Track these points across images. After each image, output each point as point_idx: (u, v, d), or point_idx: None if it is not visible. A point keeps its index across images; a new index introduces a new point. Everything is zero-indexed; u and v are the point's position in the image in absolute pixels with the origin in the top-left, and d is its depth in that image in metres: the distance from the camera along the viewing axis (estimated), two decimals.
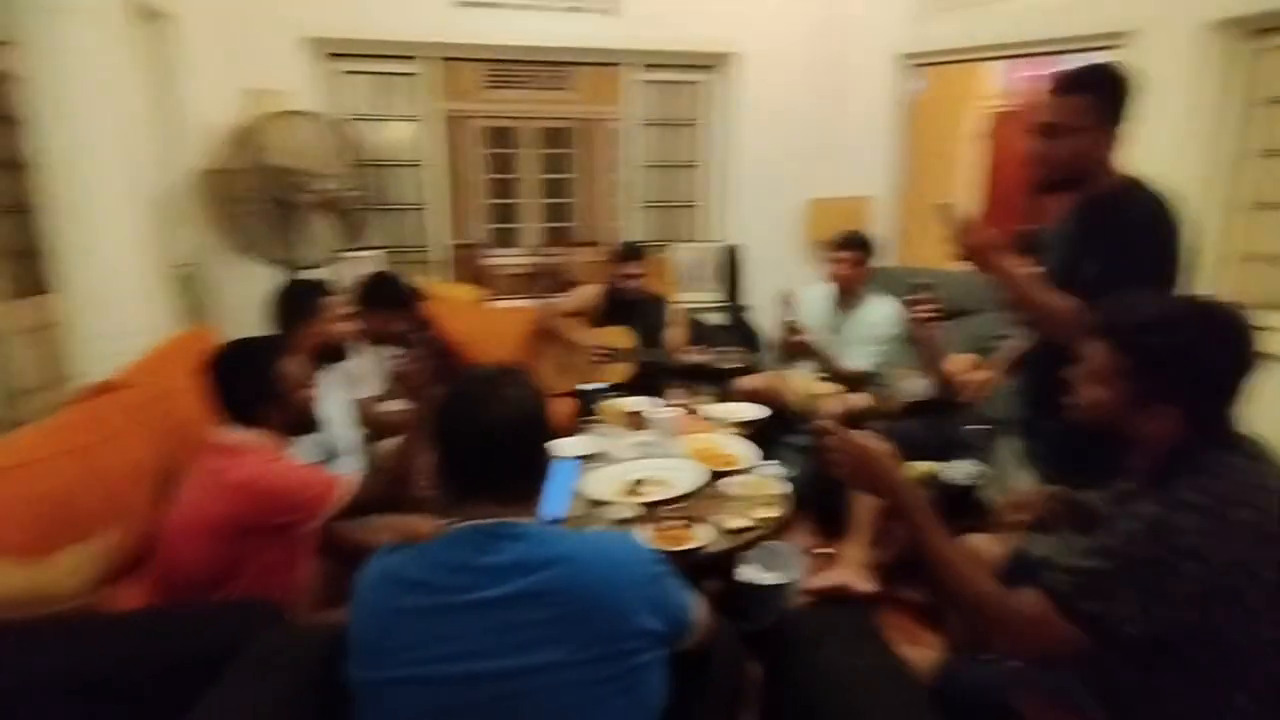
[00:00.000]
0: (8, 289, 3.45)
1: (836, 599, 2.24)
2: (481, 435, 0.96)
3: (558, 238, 7.27)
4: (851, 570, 2.30)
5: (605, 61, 4.00)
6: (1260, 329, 1.04)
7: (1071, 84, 1.47)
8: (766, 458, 2.59)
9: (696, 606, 1.07)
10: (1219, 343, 1.00)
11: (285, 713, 0.96)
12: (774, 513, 1.74)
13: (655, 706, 0.97)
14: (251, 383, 1.51)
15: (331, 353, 1.95)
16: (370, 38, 3.50)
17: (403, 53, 3.63)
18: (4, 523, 1.34)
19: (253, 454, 1.48)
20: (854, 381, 2.70)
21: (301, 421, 1.60)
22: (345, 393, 2.13)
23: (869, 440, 1.15)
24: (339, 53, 3.57)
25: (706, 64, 4.04)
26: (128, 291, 2.45)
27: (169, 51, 3.02)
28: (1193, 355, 0.99)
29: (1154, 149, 3.19)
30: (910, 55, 3.98)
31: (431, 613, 0.89)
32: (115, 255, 2.42)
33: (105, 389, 1.89)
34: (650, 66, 3.99)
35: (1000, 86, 5.94)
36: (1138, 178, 1.52)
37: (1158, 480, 1.01)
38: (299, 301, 1.96)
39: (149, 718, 1.05)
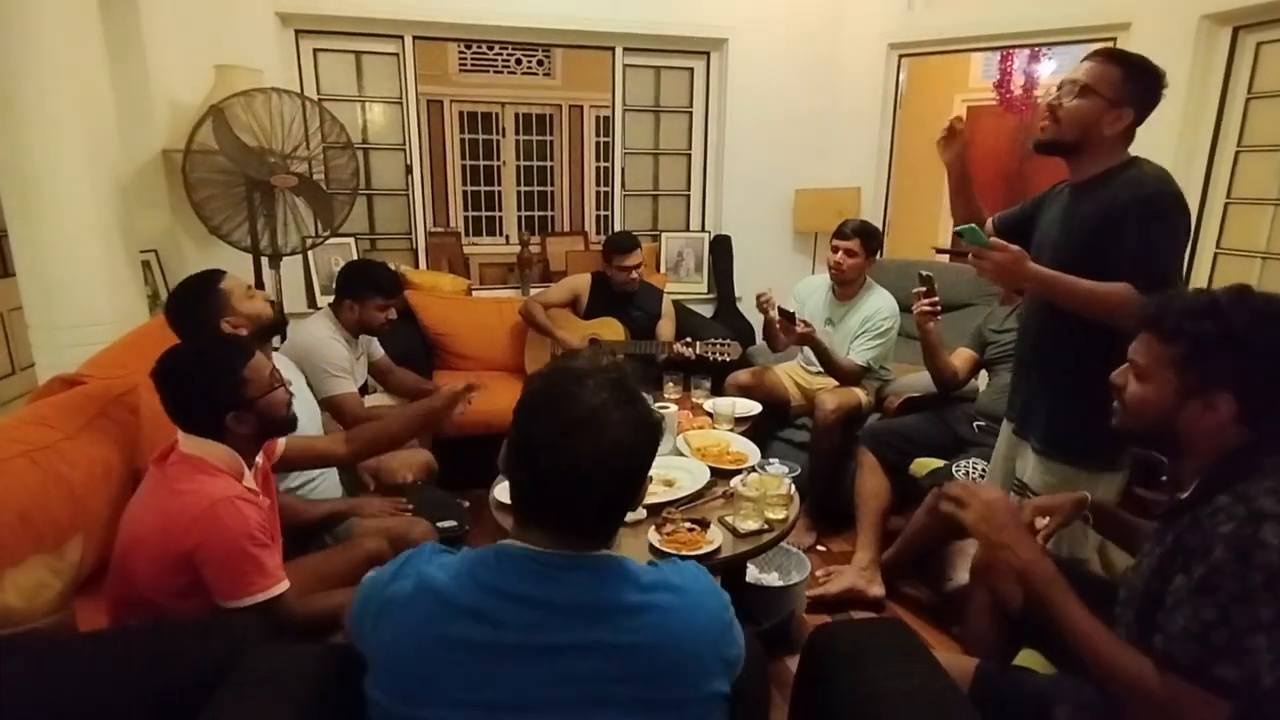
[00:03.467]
0: None
1: (845, 603, 2.21)
2: (570, 468, 0.78)
3: (538, 226, 7.15)
4: (859, 573, 2.26)
5: (595, 45, 3.88)
6: None
7: (1111, 55, 1.50)
8: (761, 452, 2.54)
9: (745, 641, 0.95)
10: (1270, 326, 0.96)
11: None
12: (784, 514, 1.67)
13: None
14: (211, 392, 1.29)
15: (275, 326, 1.78)
16: (344, 14, 3.35)
17: (379, 30, 3.48)
18: None
19: (217, 480, 1.26)
20: (851, 377, 2.64)
21: (276, 425, 1.40)
22: (296, 374, 1.99)
23: (998, 497, 1.13)
24: (312, 29, 3.41)
25: (697, 49, 3.95)
26: (91, 277, 2.30)
27: (134, 25, 2.84)
28: (1244, 338, 0.96)
29: (1145, 141, 3.23)
30: (900, 45, 3.93)
31: (485, 650, 0.76)
32: (77, 238, 2.27)
33: (68, 383, 1.75)
34: (640, 51, 3.89)
35: (979, 81, 5.97)
36: (1140, 159, 1.55)
37: (1215, 488, 0.96)
38: (198, 294, 1.74)
39: None
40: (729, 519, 1.64)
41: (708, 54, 3.97)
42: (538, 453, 0.80)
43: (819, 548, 2.56)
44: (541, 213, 7.25)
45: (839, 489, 2.55)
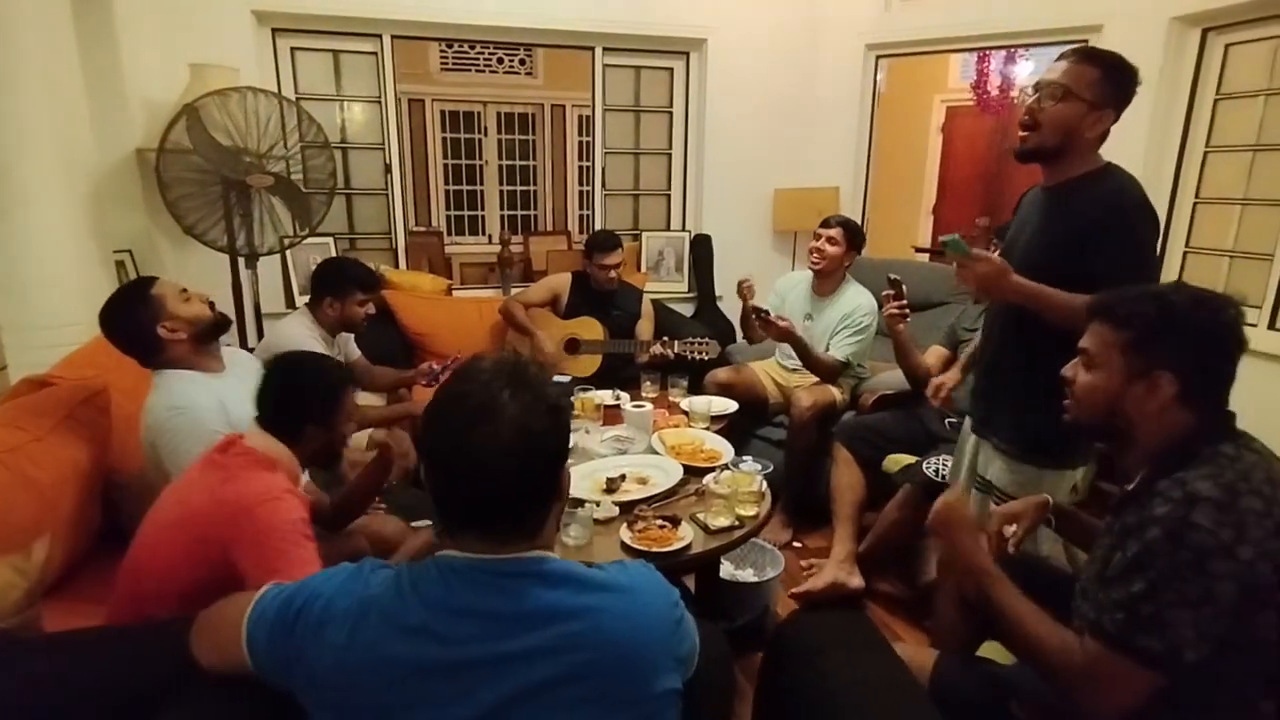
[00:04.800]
0: None
1: (828, 598, 2.23)
2: (474, 462, 0.78)
3: (521, 226, 7.15)
4: (838, 566, 2.28)
5: (574, 44, 3.89)
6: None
7: (1087, 55, 1.49)
8: (739, 450, 2.56)
9: (698, 635, 0.95)
10: (1209, 312, 1.02)
11: None
12: (755, 510, 1.69)
13: None
14: (315, 397, 1.39)
15: (216, 327, 1.72)
16: (322, 12, 3.33)
17: (357, 29, 3.47)
18: None
19: (277, 475, 1.29)
20: (829, 372, 2.67)
21: (332, 455, 1.49)
22: (255, 374, 1.94)
23: (961, 508, 1.22)
24: (289, 28, 3.39)
25: (677, 49, 3.97)
26: (62, 277, 2.28)
27: (108, 24, 2.82)
28: (1183, 319, 1.02)
29: (1117, 142, 3.28)
30: (878, 46, 3.97)
31: (438, 669, 0.75)
32: (47, 238, 2.25)
33: (38, 384, 1.74)
34: (620, 51, 3.90)
35: (959, 82, 6.03)
36: (1115, 166, 1.56)
37: (1158, 476, 0.99)
38: (131, 303, 1.67)
39: None
40: (700, 516, 1.65)
41: (687, 54, 3.99)
42: (444, 454, 0.80)
43: (795, 544, 2.59)
44: (525, 212, 7.25)
45: (815, 486, 2.57)
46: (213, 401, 1.55)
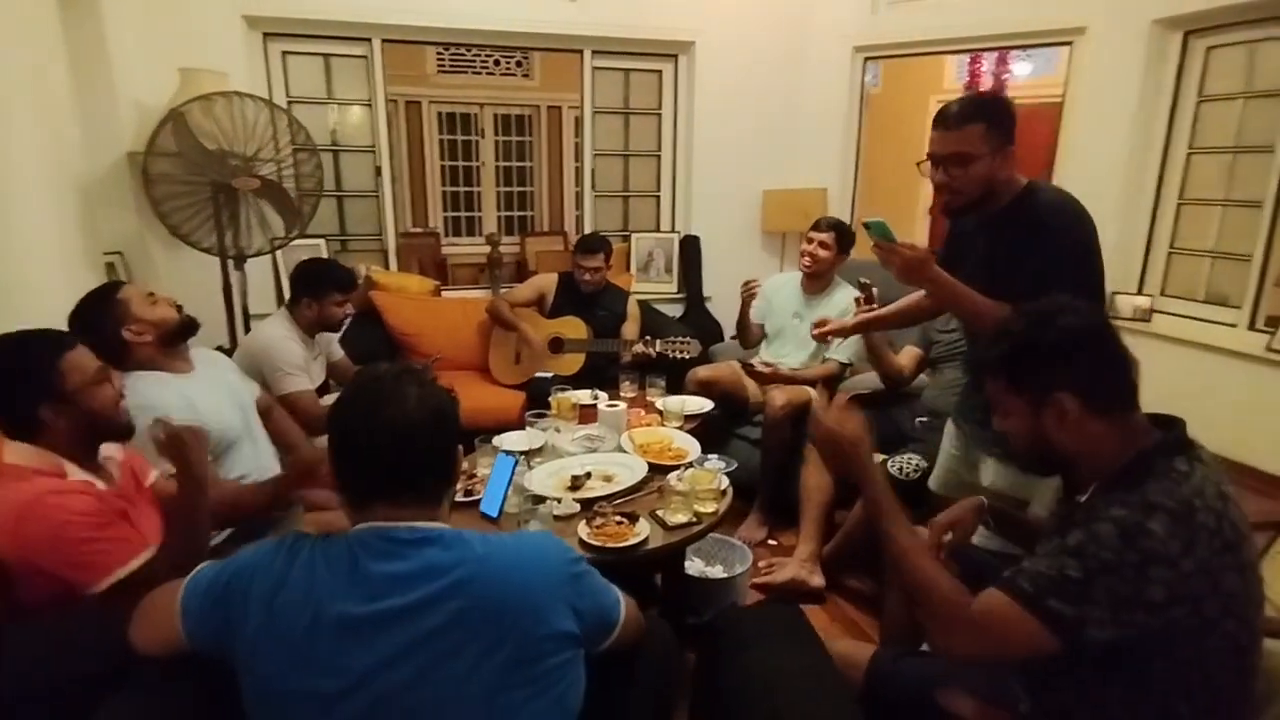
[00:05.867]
0: None
1: (787, 594, 2.26)
2: (380, 432, 0.91)
3: (518, 226, 7.19)
4: (800, 565, 2.31)
5: (563, 48, 3.93)
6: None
7: (963, 117, 1.54)
8: (720, 449, 2.59)
9: (623, 606, 1.04)
10: (1048, 328, 1.05)
11: None
12: (714, 507, 1.72)
13: (573, 707, 0.94)
14: (23, 386, 1.25)
15: (183, 329, 1.76)
16: (310, 17, 3.39)
17: (345, 33, 3.52)
18: None
19: (23, 485, 1.19)
20: (830, 380, 2.77)
21: (106, 426, 1.35)
22: (227, 374, 2.00)
23: (848, 421, 1.20)
24: (279, 32, 3.45)
25: (665, 52, 4.00)
26: (49, 278, 2.33)
27: (97, 29, 2.87)
28: (1038, 339, 1.06)
29: (1102, 143, 3.30)
30: (865, 48, 3.99)
31: (346, 626, 0.85)
32: (37, 240, 2.29)
33: None
34: (609, 54, 3.94)
35: (954, 82, 6.03)
36: (1036, 183, 1.60)
37: (1114, 488, 1.01)
38: (97, 307, 1.73)
39: None
40: (660, 512, 1.68)
41: (675, 57, 4.02)
42: (355, 431, 0.93)
43: (770, 541, 2.62)
44: (521, 213, 7.29)
45: (791, 484, 2.60)
46: (180, 401, 1.60)
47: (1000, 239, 1.59)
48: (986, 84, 5.43)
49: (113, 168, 2.98)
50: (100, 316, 1.67)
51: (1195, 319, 3.08)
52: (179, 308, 1.74)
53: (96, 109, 2.82)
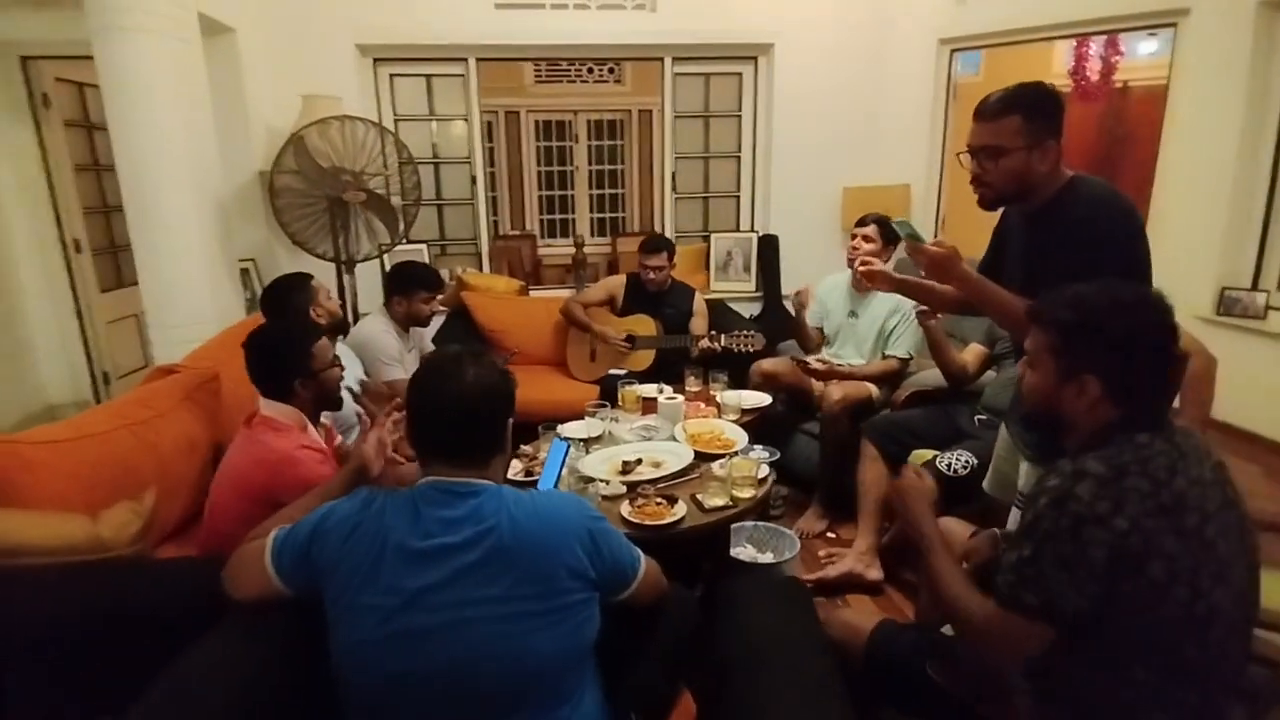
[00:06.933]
0: (99, 282, 3.86)
1: (846, 586, 2.32)
2: (441, 402, 1.11)
3: (610, 228, 7.43)
4: (858, 558, 2.36)
5: (643, 57, 4.09)
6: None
7: (1001, 108, 1.48)
8: (783, 443, 2.66)
9: (642, 565, 1.20)
10: (1123, 313, 1.07)
11: (279, 650, 1.12)
12: (751, 493, 1.83)
13: (585, 641, 1.11)
14: (287, 362, 1.64)
15: (344, 323, 2.15)
16: (416, 42, 3.72)
17: (446, 55, 3.83)
18: (71, 484, 1.58)
19: (291, 433, 1.60)
20: (890, 376, 2.81)
21: (329, 399, 1.74)
22: (353, 366, 2.34)
23: (914, 480, 1.35)
24: (388, 57, 3.80)
25: (744, 55, 4.08)
26: (196, 282, 2.72)
27: (234, 62, 3.30)
28: (1101, 324, 1.07)
29: (1210, 129, 3.11)
30: (951, 40, 3.91)
31: (405, 555, 1.05)
32: (185, 250, 2.69)
33: (167, 372, 2.14)
34: (689, 59, 4.07)
35: (1062, 68, 5.72)
36: (1080, 177, 1.53)
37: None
38: (296, 286, 2.19)
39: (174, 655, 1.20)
40: (699, 496, 1.81)
41: (755, 59, 4.09)
42: (422, 401, 1.13)
43: (829, 534, 2.67)
44: (613, 214, 7.53)
45: (849, 478, 2.64)
46: None
47: (1037, 235, 1.57)
48: (1094, 69, 5.13)
49: (246, 185, 3.41)
50: (297, 294, 2.11)
51: None
52: (342, 306, 2.13)
53: (233, 133, 3.24)
